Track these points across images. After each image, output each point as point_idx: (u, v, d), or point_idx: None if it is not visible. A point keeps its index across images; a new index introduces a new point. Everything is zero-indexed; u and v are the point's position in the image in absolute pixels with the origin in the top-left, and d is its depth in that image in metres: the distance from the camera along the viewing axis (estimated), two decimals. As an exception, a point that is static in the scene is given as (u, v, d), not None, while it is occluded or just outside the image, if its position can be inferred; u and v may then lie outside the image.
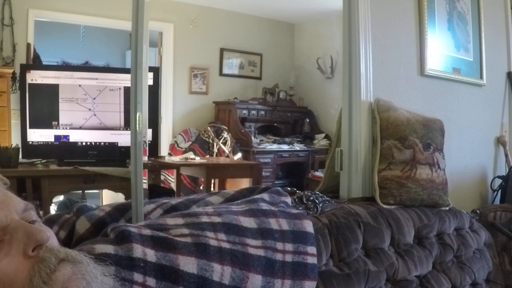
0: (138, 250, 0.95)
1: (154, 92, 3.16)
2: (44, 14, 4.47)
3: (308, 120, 5.80)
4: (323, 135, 5.70)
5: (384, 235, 1.51)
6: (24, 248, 0.63)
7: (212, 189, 4.29)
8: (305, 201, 1.49)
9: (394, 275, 1.46)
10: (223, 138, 5.00)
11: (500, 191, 2.54)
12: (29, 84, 3.00)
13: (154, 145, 3.31)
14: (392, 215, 1.58)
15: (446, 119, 2.00)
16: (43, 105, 3.06)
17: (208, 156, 4.75)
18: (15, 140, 3.42)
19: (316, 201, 1.50)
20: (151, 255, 0.96)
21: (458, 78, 2.34)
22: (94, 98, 3.10)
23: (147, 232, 1.01)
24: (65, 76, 3.10)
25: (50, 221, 1.10)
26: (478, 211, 2.07)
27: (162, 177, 4.31)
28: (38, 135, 3.03)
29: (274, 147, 5.34)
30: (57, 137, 3.06)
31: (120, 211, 1.26)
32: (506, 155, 2.65)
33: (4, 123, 3.63)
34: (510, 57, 2.73)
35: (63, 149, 3.07)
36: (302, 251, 1.19)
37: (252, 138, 5.23)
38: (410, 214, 1.65)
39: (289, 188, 1.55)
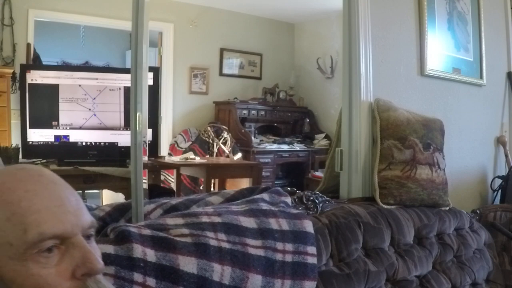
0: (138, 250, 0.95)
1: (154, 92, 3.16)
2: (44, 14, 4.46)
3: (308, 120, 5.80)
4: (323, 135, 5.69)
5: (384, 235, 1.51)
6: (74, 269, 0.61)
7: (212, 189, 4.29)
8: (305, 201, 1.49)
9: (394, 275, 1.46)
10: (223, 138, 5.00)
11: (500, 191, 2.54)
12: (29, 84, 3.00)
13: (154, 145, 3.31)
14: (392, 215, 1.58)
15: (446, 119, 2.00)
16: (43, 105, 3.06)
17: (208, 156, 4.75)
18: (15, 140, 3.41)
19: (316, 201, 1.50)
20: (151, 255, 0.96)
21: (458, 78, 2.34)
22: (94, 98, 3.10)
23: (147, 232, 1.01)
24: (65, 76, 3.10)
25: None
26: (478, 211, 2.07)
27: (162, 177, 4.31)
28: (38, 135, 3.03)
29: (274, 147, 5.33)
30: (57, 137, 3.06)
31: (120, 211, 1.26)
32: (506, 155, 2.65)
33: (4, 123, 3.63)
34: (510, 57, 2.73)
35: (63, 149, 3.07)
36: (302, 251, 1.19)
37: (252, 138, 5.23)
38: (410, 214, 1.65)
39: (289, 188, 1.56)
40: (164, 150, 5.01)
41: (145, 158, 2.69)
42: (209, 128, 5.05)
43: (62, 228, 0.61)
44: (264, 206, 1.27)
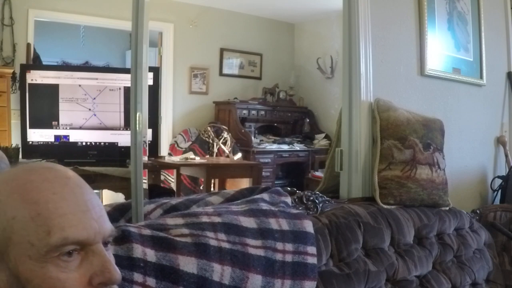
0: (138, 250, 0.95)
1: (154, 92, 3.16)
2: (44, 14, 4.46)
3: (308, 120, 5.80)
4: (323, 135, 5.69)
5: (384, 235, 1.51)
6: (92, 276, 0.61)
7: (212, 189, 4.29)
8: (305, 201, 1.49)
9: (394, 275, 1.46)
10: (223, 138, 5.00)
11: (500, 191, 2.54)
12: (29, 84, 3.01)
13: (154, 145, 3.31)
14: (392, 215, 1.58)
15: (446, 119, 2.00)
16: (43, 105, 3.06)
17: (208, 156, 4.75)
18: (15, 140, 3.41)
19: (316, 201, 1.50)
20: (151, 255, 0.96)
21: (458, 78, 2.34)
22: (94, 98, 3.10)
23: (147, 232, 1.01)
24: (65, 76, 3.10)
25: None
26: (478, 211, 2.07)
27: (162, 177, 4.31)
28: (38, 135, 3.03)
29: (274, 147, 5.33)
30: (57, 137, 3.06)
31: (120, 211, 1.26)
32: (506, 155, 2.65)
33: (4, 123, 3.63)
34: (510, 57, 2.73)
35: (63, 149, 3.07)
36: (302, 251, 1.19)
37: (252, 138, 5.23)
38: (410, 214, 1.65)
39: (289, 188, 1.56)
40: (164, 150, 5.01)
41: (145, 158, 2.69)
42: (209, 128, 5.05)
43: (85, 234, 0.61)
44: (264, 206, 1.27)
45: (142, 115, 1.39)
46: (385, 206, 1.65)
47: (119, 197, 3.16)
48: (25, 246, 0.58)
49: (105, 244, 0.65)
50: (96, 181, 2.90)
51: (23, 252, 0.58)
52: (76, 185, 0.64)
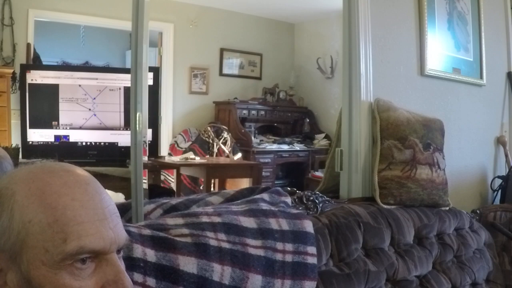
0: (138, 250, 0.95)
1: (154, 92, 3.17)
2: (44, 14, 4.46)
3: (308, 120, 5.80)
4: (323, 135, 5.69)
5: (384, 235, 1.51)
6: (104, 285, 0.60)
7: (212, 189, 4.29)
8: (305, 201, 1.49)
9: (394, 275, 1.46)
10: (223, 138, 5.00)
11: (500, 191, 2.54)
12: (29, 84, 3.01)
13: (154, 145, 3.32)
14: (392, 215, 1.58)
15: (446, 119, 2.00)
16: (43, 105, 3.06)
17: (208, 156, 4.75)
18: (15, 140, 3.41)
19: (316, 201, 1.50)
20: (151, 255, 0.96)
21: (458, 78, 2.34)
22: (94, 98, 3.10)
23: (147, 232, 1.01)
24: (65, 76, 3.10)
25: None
26: (478, 211, 2.07)
27: (162, 177, 4.31)
28: (38, 135, 3.03)
29: (274, 147, 5.33)
30: (57, 137, 3.06)
31: (120, 211, 1.26)
32: (506, 155, 2.65)
33: (4, 123, 3.62)
34: (510, 57, 2.73)
35: (63, 149, 3.07)
36: (302, 251, 1.19)
37: (252, 138, 5.23)
38: (410, 214, 1.65)
39: (289, 188, 1.56)
40: (164, 150, 5.01)
41: (145, 158, 2.69)
42: (209, 128, 5.05)
43: (102, 244, 0.60)
44: (264, 206, 1.27)
45: (142, 115, 1.39)
46: (385, 206, 1.65)
47: (119, 197, 3.16)
48: (40, 251, 0.58)
49: (118, 251, 0.64)
50: (96, 181, 2.90)
51: (37, 256, 0.58)
52: (95, 191, 0.64)
